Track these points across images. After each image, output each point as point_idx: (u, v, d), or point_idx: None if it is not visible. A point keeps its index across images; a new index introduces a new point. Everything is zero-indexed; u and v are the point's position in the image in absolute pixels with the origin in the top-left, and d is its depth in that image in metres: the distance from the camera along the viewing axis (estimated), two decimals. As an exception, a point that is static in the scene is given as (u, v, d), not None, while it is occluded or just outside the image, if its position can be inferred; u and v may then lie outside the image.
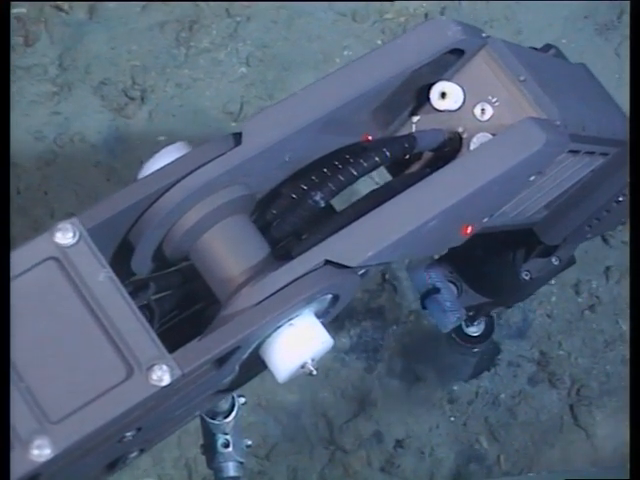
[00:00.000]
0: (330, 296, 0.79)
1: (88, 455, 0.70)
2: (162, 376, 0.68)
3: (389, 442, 1.93)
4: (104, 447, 0.72)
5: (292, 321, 0.76)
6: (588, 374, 1.98)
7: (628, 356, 1.94)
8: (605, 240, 2.07)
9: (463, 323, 1.54)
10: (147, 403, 0.69)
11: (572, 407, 1.95)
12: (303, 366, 0.76)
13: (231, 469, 1.27)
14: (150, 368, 0.68)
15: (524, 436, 1.93)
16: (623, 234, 2.06)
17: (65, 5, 2.23)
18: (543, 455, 1.92)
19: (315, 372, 0.76)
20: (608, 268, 2.05)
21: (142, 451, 0.82)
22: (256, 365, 0.79)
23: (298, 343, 0.76)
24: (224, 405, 1.25)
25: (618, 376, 1.96)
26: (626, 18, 2.21)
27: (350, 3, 2.23)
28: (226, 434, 1.26)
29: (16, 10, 2.20)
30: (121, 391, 0.68)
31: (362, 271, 0.80)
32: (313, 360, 0.76)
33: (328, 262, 0.76)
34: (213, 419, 1.25)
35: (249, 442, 1.31)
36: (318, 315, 0.79)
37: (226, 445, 1.26)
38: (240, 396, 1.28)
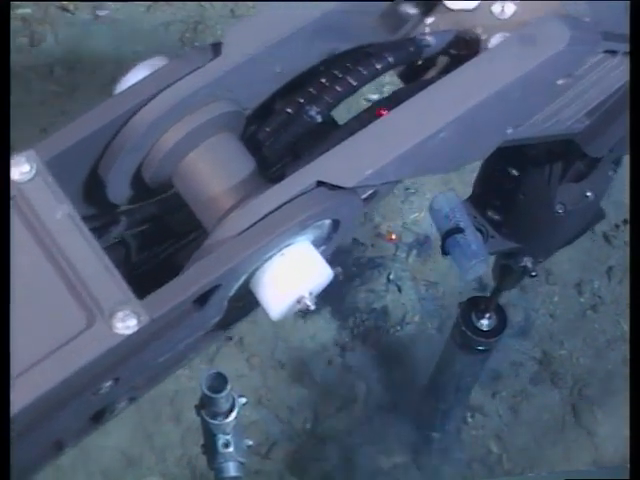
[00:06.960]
0: (329, 221, 0.71)
1: (61, 409, 0.64)
2: (128, 323, 0.61)
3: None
4: (79, 400, 0.65)
5: (283, 251, 0.67)
6: (590, 374, 1.98)
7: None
8: (608, 240, 2.07)
9: (474, 316, 1.46)
10: (115, 353, 0.62)
11: (574, 406, 1.95)
12: (299, 301, 0.68)
13: (232, 469, 1.27)
14: (113, 315, 0.61)
15: (526, 435, 1.93)
16: (625, 234, 2.06)
17: (70, 5, 2.24)
18: (545, 454, 1.92)
19: (313, 307, 0.68)
20: (610, 268, 2.05)
21: (132, 400, 0.74)
22: (250, 300, 0.70)
23: (290, 275, 0.67)
24: (225, 405, 1.25)
25: (620, 376, 1.96)
26: (628, 18, 2.20)
27: (353, 4, 2.23)
28: (227, 434, 1.26)
29: (21, 11, 2.21)
30: (82, 342, 0.60)
31: (367, 193, 0.72)
32: (311, 294, 0.68)
33: (321, 183, 0.67)
34: (213, 419, 1.25)
35: (250, 442, 1.32)
36: (317, 243, 0.71)
37: (227, 445, 1.26)
38: (241, 396, 1.28)
